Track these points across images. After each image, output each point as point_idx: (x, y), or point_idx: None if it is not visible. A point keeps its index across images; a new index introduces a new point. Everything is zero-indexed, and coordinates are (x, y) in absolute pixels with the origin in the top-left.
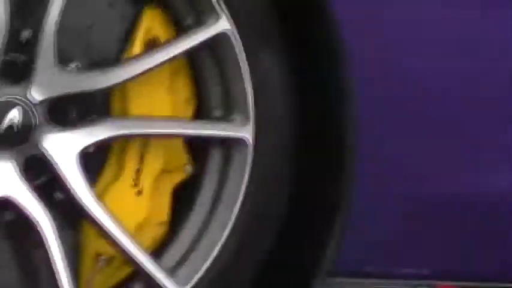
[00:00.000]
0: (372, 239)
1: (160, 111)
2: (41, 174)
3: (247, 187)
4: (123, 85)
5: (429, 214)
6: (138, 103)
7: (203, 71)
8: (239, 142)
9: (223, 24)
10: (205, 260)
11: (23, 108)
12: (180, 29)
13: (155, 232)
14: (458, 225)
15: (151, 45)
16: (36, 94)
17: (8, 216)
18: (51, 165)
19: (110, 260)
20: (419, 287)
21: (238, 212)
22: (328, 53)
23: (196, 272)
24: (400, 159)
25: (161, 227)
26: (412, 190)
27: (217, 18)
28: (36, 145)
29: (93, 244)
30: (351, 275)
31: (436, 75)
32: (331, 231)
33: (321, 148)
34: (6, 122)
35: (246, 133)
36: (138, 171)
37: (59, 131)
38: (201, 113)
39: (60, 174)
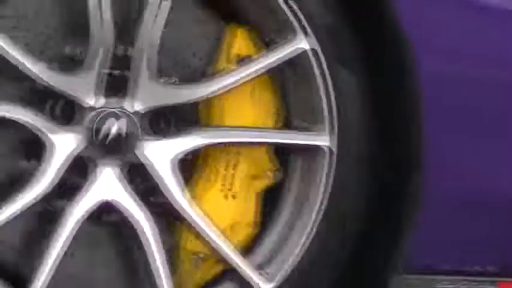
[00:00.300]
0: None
1: (248, 121)
2: (141, 180)
3: (327, 190)
4: (215, 97)
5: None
6: (228, 114)
7: (288, 85)
8: (319, 150)
9: (304, 43)
10: (290, 258)
11: (123, 119)
12: (263, 47)
13: (244, 232)
14: None
15: (240, 62)
16: (136, 106)
17: (113, 218)
18: (150, 171)
19: (204, 259)
20: (482, 284)
21: (319, 213)
22: (399, 70)
23: (282, 269)
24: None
25: (250, 227)
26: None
27: (300, 36)
28: (137, 153)
29: (188, 244)
30: (419, 273)
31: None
32: (405, 230)
33: (392, 155)
34: (108, 131)
35: (325, 142)
36: (229, 177)
37: (157, 139)
38: (285, 124)
39: (158, 179)
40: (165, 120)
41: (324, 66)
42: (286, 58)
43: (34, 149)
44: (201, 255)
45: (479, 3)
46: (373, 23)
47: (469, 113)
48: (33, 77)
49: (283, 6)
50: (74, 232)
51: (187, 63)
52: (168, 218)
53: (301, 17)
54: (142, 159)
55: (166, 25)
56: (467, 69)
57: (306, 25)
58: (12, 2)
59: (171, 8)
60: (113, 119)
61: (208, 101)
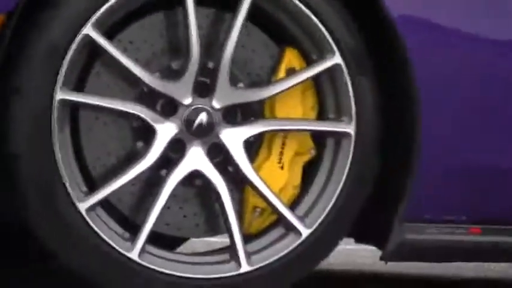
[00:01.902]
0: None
1: (295, 114)
2: (219, 155)
3: (351, 162)
4: (272, 97)
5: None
6: (281, 109)
7: (323, 89)
8: (345, 134)
9: (336, 59)
10: (323, 211)
11: (207, 112)
12: (308, 62)
13: (292, 192)
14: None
15: (290, 72)
16: (216, 104)
17: (198, 182)
18: (226, 149)
19: (262, 211)
20: (456, 229)
21: (345, 178)
22: (401, 78)
23: (317, 219)
24: None
25: (295, 189)
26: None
27: (333, 54)
28: (217, 136)
29: (251, 200)
30: (413, 221)
31: None
32: (403, 192)
33: (394, 139)
34: (197, 121)
35: (350, 129)
36: (281, 154)
37: (231, 127)
38: (321, 116)
39: (232, 155)
40: (239, 114)
41: (349, 75)
42: (323, 69)
43: (146, 133)
44: (260, 208)
45: None
46: (382, 46)
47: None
48: (148, 84)
49: (324, 34)
50: (171, 191)
51: (257, 73)
52: (239, 182)
53: (333, 41)
54: (221, 140)
55: (242, 47)
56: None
57: (336, 48)
58: (133, 32)
59: (247, 35)
60: (201, 113)
61: (271, 100)
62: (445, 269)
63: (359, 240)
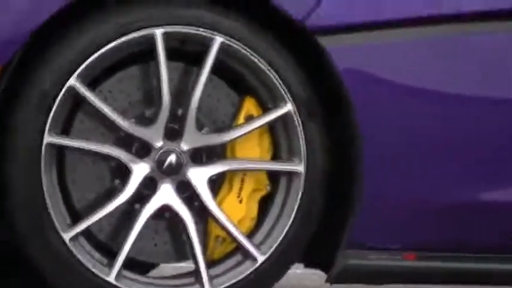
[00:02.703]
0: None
1: (253, 155)
2: (186, 191)
3: (300, 198)
4: (233, 141)
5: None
6: (241, 151)
7: (278, 133)
8: (296, 173)
9: (288, 107)
10: (276, 240)
11: (176, 154)
12: (264, 109)
13: (249, 224)
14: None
15: (248, 119)
16: (184, 146)
17: (168, 214)
18: (192, 186)
19: (223, 240)
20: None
21: (296, 211)
22: (345, 122)
23: (271, 247)
24: None
25: (252, 220)
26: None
27: (285, 103)
28: (184, 174)
29: (214, 230)
30: (354, 248)
31: None
32: (347, 221)
33: (341, 175)
34: (167, 162)
35: (300, 168)
36: (240, 189)
37: (197, 166)
38: (275, 156)
39: (197, 191)
40: (203, 155)
41: (299, 121)
42: (277, 116)
43: (123, 172)
44: (221, 237)
45: None
46: (329, 94)
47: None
48: (125, 129)
49: (278, 85)
50: (144, 223)
51: (220, 120)
52: (203, 214)
53: (285, 92)
54: (187, 178)
55: (208, 96)
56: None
57: (289, 97)
58: (112, 84)
59: (211, 86)
60: (171, 154)
61: (232, 143)
62: None
63: (308, 265)
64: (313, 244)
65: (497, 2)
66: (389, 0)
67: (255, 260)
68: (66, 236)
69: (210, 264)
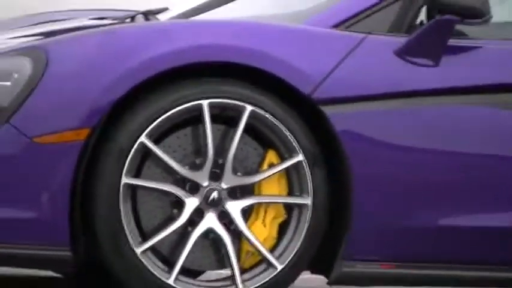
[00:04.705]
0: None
1: (274, 192)
2: (225, 218)
3: (308, 223)
4: (259, 181)
5: None
6: (265, 189)
7: (292, 177)
8: (305, 205)
9: (300, 157)
10: (291, 253)
11: (218, 191)
12: (282, 159)
13: (271, 242)
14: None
15: (270, 166)
16: (224, 186)
17: (212, 235)
18: (230, 215)
19: (252, 253)
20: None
21: (305, 232)
22: (342, 165)
23: (288, 258)
24: None
25: (273, 239)
26: None
27: (297, 154)
28: (224, 206)
29: (245, 247)
30: (347, 259)
31: None
32: (343, 239)
33: (339, 205)
34: (211, 197)
35: (308, 201)
36: (264, 217)
37: (233, 200)
38: (290, 193)
39: (233, 218)
40: (238, 191)
41: (307, 167)
42: (291, 164)
43: (179, 204)
44: (251, 252)
45: None
46: (330, 148)
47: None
48: (180, 173)
49: (292, 141)
50: (194, 241)
51: (250, 166)
52: (237, 235)
53: (297, 146)
54: (226, 209)
55: (241, 149)
56: None
57: (299, 149)
58: (172, 140)
59: (243, 142)
60: (214, 191)
61: (258, 183)
62: None
63: (313, 271)
64: (317, 256)
65: (465, 79)
66: (373, 80)
67: (275, 268)
68: (138, 250)
69: (242, 271)
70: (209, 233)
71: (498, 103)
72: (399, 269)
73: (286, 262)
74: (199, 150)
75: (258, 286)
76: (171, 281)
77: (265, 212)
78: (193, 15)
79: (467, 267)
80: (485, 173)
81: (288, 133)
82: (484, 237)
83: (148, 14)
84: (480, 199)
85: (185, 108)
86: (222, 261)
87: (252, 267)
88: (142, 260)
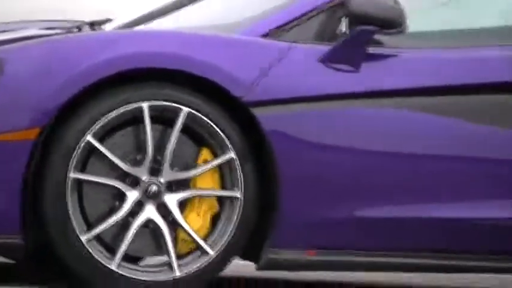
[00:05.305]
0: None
1: (208, 186)
2: (163, 210)
3: (240, 213)
4: (194, 176)
5: None
6: (200, 183)
7: (224, 172)
8: (236, 198)
9: (231, 154)
10: (223, 241)
11: (157, 185)
12: (215, 155)
13: (204, 231)
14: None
15: (205, 162)
16: (162, 180)
17: (151, 225)
18: (167, 206)
19: (188, 241)
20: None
21: (236, 223)
22: (270, 161)
23: (220, 246)
24: None
25: (207, 229)
26: None
27: (229, 151)
28: (161, 199)
29: (181, 235)
30: (274, 247)
31: None
32: (270, 230)
33: (267, 199)
34: (151, 190)
35: (239, 195)
36: (199, 208)
37: (170, 193)
38: (223, 186)
39: (170, 209)
40: (174, 185)
41: (238, 163)
42: (224, 160)
43: (121, 197)
44: (186, 240)
45: None
46: (259, 146)
47: None
48: (123, 169)
49: (224, 139)
50: (135, 231)
51: (186, 162)
52: (174, 225)
53: (229, 143)
54: (164, 201)
55: (177, 147)
56: None
57: (231, 147)
58: (115, 138)
59: (180, 141)
60: (153, 185)
61: (193, 178)
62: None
63: (244, 257)
64: (248, 245)
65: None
66: (299, 85)
67: (208, 254)
68: (83, 238)
69: (178, 257)
70: (149, 222)
71: (412, 106)
72: (321, 256)
73: (218, 249)
74: (140, 147)
75: (193, 270)
76: (114, 267)
77: (200, 204)
78: (135, 26)
79: (383, 253)
80: (399, 169)
81: (221, 133)
82: (398, 227)
83: (93, 25)
84: (394, 193)
85: (127, 110)
86: (161, 248)
87: (187, 254)
88: (88, 247)
